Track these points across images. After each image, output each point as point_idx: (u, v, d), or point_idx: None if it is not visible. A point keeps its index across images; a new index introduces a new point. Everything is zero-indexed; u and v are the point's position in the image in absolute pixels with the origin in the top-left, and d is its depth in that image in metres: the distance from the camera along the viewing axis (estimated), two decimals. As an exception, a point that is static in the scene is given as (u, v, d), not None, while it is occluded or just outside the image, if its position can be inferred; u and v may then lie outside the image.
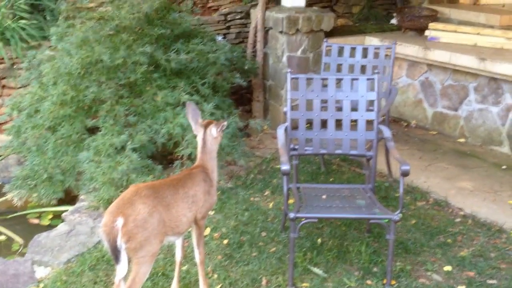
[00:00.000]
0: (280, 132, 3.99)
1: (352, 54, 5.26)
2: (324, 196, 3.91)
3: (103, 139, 4.63)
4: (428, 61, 6.21)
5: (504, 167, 5.33)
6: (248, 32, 6.62)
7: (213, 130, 3.36)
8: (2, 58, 6.00)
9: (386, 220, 3.52)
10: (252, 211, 4.54)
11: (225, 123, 3.43)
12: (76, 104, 4.89)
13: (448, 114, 6.15)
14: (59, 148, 4.84)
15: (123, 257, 2.83)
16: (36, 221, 4.93)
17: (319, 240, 4.08)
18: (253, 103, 6.56)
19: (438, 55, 6.05)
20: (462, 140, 5.97)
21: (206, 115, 4.90)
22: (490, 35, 6.20)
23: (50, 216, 4.94)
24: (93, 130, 4.94)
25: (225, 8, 6.90)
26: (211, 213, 4.48)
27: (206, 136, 3.37)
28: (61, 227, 4.33)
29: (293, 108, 4.05)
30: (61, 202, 4.88)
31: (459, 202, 4.68)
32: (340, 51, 5.27)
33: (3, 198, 5.04)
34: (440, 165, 5.38)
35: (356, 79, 4.08)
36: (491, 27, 6.46)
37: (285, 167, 3.55)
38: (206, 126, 3.38)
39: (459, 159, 5.50)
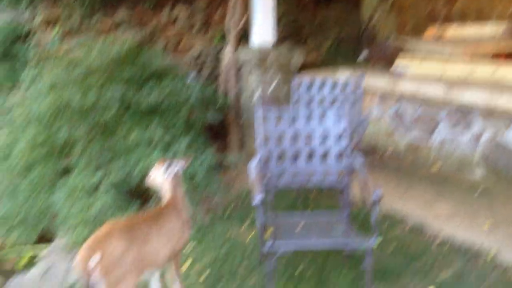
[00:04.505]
0: (252, 166, 4.01)
1: (322, 88, 5.35)
2: (300, 226, 3.91)
3: (77, 179, 4.59)
4: (397, 93, 6.34)
5: (477, 192, 5.40)
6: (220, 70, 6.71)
7: (180, 166, 3.40)
8: (-26, 104, 5.99)
9: (362, 248, 3.52)
10: (230, 245, 4.51)
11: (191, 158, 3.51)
12: (48, 146, 4.87)
13: (420, 143, 6.25)
14: (33, 191, 4.78)
15: (99, 293, 2.79)
16: (11, 264, 4.83)
17: (299, 269, 4.06)
18: (229, 138, 6.60)
19: (406, 86, 6.19)
20: (436, 167, 6.05)
21: (180, 152, 4.92)
22: (456, 65, 6.38)
23: (26, 259, 4.85)
24: (67, 171, 4.91)
25: (196, 49, 7.00)
26: (190, 248, 4.45)
27: (177, 173, 3.41)
28: (35, 270, 4.25)
29: (265, 142, 4.09)
30: (38, 242, 4.79)
31: (436, 227, 4.71)
32: (310, 85, 5.36)
33: (-22, 242, 4.95)
34: (416, 192, 5.42)
35: (325, 111, 4.16)
36: (457, 57, 6.65)
37: (257, 200, 3.54)
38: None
39: (434, 186, 5.55)
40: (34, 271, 4.23)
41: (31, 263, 4.74)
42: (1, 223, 4.73)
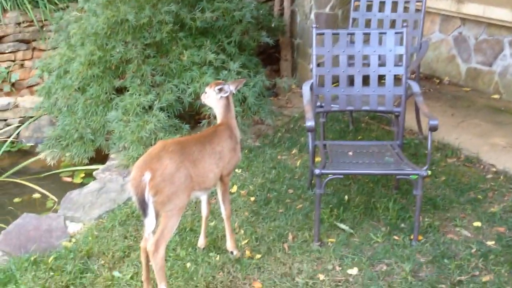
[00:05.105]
0: (306, 88, 3.94)
1: (381, 9, 5.12)
2: (350, 153, 3.88)
3: (131, 98, 4.68)
4: (461, 15, 6.02)
5: (539, 123, 5.18)
6: (275, -11, 6.51)
7: (232, 87, 3.39)
8: (32, 21, 6.07)
9: (414, 176, 3.48)
10: (279, 169, 4.55)
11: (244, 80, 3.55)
12: (103, 64, 4.94)
13: (482, 69, 5.98)
14: (89, 108, 4.93)
15: (151, 210, 2.88)
16: (69, 179, 5.08)
17: (346, 197, 4.07)
18: (281, 62, 6.49)
19: (471, 9, 5.86)
20: (496, 96, 5.81)
21: (232, 74, 4.89)
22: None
23: (82, 175, 5.10)
24: (121, 90, 5.00)
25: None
26: (238, 171, 4.52)
27: (230, 95, 3.40)
28: (93, 185, 4.44)
29: (319, 64, 4.00)
30: (92, 161, 4.99)
31: (491, 158, 4.58)
32: (369, 6, 5.14)
33: (37, 158, 5.18)
34: (473, 121, 5.25)
35: (384, 33, 4.00)
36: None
37: (310, 123, 3.51)
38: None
39: (493, 116, 5.36)
40: (91, 186, 4.42)
41: (87, 179, 4.96)
42: (59, 140, 4.91)
